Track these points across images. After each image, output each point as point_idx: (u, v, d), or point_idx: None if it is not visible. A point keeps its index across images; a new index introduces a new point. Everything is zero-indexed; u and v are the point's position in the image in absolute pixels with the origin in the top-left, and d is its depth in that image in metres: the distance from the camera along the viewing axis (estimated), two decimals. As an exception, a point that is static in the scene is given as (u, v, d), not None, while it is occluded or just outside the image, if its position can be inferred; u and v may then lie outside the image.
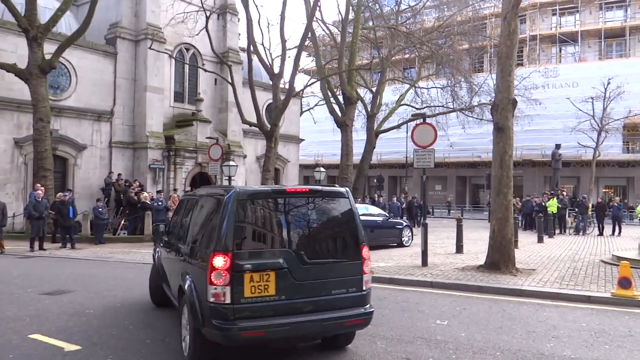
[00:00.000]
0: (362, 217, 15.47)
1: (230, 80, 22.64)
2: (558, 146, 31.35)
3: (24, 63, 18.04)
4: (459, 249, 14.60)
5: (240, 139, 27.07)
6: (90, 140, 21.96)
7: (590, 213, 25.00)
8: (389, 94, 33.92)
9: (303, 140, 33.85)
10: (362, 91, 31.36)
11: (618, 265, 9.54)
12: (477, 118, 28.99)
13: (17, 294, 8.66)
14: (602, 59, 42.04)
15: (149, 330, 6.39)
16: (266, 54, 23.90)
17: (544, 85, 36.82)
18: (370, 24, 30.03)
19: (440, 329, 6.59)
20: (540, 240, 18.46)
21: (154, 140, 22.69)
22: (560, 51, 44.91)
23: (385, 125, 30.93)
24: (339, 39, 27.43)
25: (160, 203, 18.25)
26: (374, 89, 30.20)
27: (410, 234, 17.15)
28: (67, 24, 22.24)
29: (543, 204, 23.41)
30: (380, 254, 13.95)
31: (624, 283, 8.38)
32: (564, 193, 26.60)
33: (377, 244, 15.88)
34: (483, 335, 6.29)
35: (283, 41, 22.53)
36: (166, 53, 23.12)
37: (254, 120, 22.38)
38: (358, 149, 29.81)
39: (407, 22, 30.23)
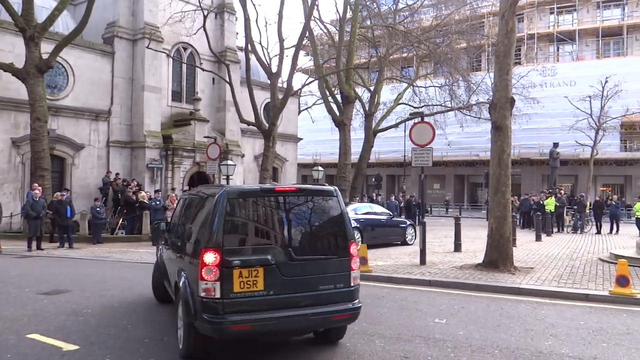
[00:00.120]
0: (367, 216, 16.05)
1: (228, 79, 22.58)
2: (556, 145, 31.39)
3: (21, 62, 17.98)
4: (457, 247, 14.63)
5: (238, 138, 27.02)
6: (88, 139, 21.90)
7: (588, 211, 25.03)
8: (387, 93, 33.91)
9: (301, 139, 33.81)
10: (360, 90, 31.34)
11: (616, 263, 9.57)
12: (475, 117, 29.00)
13: (15, 294, 8.65)
14: (600, 57, 42.09)
15: (148, 330, 6.38)
16: (264, 53, 23.87)
17: (542, 84, 36.84)
18: (368, 22, 30.00)
19: (439, 327, 6.59)
20: (538, 238, 18.50)
21: (152, 139, 22.64)
22: (557, 50, 44.96)
23: (383, 124, 30.87)
24: (336, 38, 27.35)
25: (158, 202, 18.18)
26: (372, 88, 30.16)
27: (413, 232, 17.19)
28: (65, 24, 22.21)
29: (541, 202, 23.42)
30: (378, 253, 13.94)
31: (622, 281, 8.40)
32: (562, 191, 26.63)
33: (381, 242, 16.08)
34: (481, 334, 6.29)
35: (281, 40, 22.47)
36: (164, 52, 23.08)
37: (252, 119, 22.34)
38: (356, 148, 29.81)
39: (405, 21, 30.19)
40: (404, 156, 36.72)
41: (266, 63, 23.76)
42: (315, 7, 24.35)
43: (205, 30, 21.60)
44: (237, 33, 28.02)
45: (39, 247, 15.17)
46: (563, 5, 43.74)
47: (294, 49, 22.84)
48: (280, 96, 22.55)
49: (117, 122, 22.70)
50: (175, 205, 18.96)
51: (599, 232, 22.52)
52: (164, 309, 7.45)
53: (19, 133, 19.71)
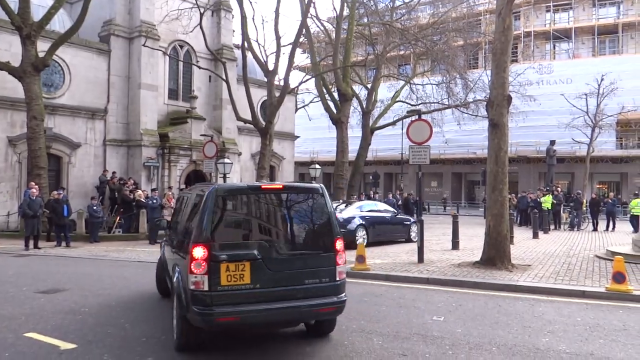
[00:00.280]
0: (372, 214, 16.10)
1: (224, 77, 22.54)
2: (552, 142, 31.44)
3: (17, 61, 17.93)
4: (455, 245, 14.61)
5: (235, 136, 26.94)
6: (85, 138, 21.83)
7: (584, 209, 25.11)
8: (384, 91, 33.85)
9: (298, 137, 33.79)
10: (357, 88, 31.30)
11: (612, 260, 9.61)
12: (472, 114, 28.95)
13: (12, 293, 8.63)
14: (596, 55, 42.25)
15: (145, 328, 6.37)
16: (261, 50, 24.05)
17: (538, 81, 36.80)
18: (365, 20, 29.91)
19: (437, 325, 6.61)
20: (535, 236, 18.50)
21: (148, 138, 22.57)
22: (554, 48, 45.08)
23: (381, 122, 30.88)
24: (333, 35, 27.37)
25: (154, 201, 18.11)
26: (369, 86, 30.09)
27: (417, 229, 17.19)
28: (61, 22, 22.15)
29: (538, 200, 23.46)
30: (376, 251, 13.94)
31: (618, 278, 8.43)
32: (559, 189, 26.69)
33: (385, 240, 16.09)
34: (479, 331, 6.31)
35: (278, 38, 22.50)
36: (160, 50, 22.98)
37: (248, 117, 22.31)
38: (353, 146, 29.75)
39: (402, 18, 30.12)
40: (402, 154, 36.78)
41: (263, 61, 23.75)
42: (312, 4, 24.31)
43: (201, 27, 21.54)
44: (234, 30, 27.88)
45: (36, 246, 15.15)
46: (559, 3, 43.83)
47: (290, 46, 22.88)
48: (277, 94, 22.55)
49: (113, 120, 22.62)
50: (172, 203, 19.23)
51: (595, 229, 22.55)
52: (162, 308, 7.43)
53: (16, 132, 19.66)
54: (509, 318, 6.99)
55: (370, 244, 15.02)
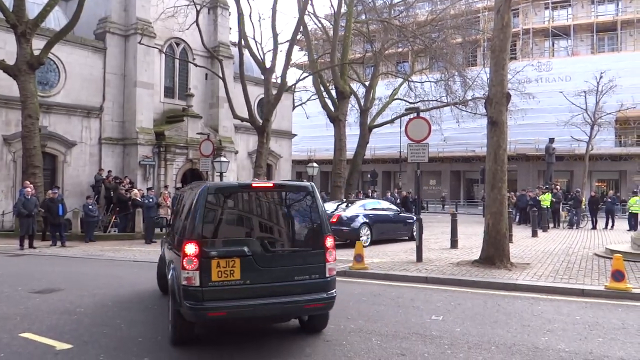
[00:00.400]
0: (375, 212, 16.12)
1: (221, 75, 22.45)
2: (552, 140, 31.38)
3: (12, 59, 17.85)
4: (454, 244, 14.57)
5: (231, 134, 26.86)
6: (80, 136, 21.76)
7: (583, 207, 25.06)
8: (382, 89, 33.72)
9: (295, 135, 33.69)
10: (355, 85, 31.15)
11: (611, 258, 9.59)
12: (471, 112, 28.89)
13: (7, 293, 8.59)
14: (595, 53, 42.20)
15: (141, 329, 6.35)
16: (258, 48, 23.85)
17: (537, 79, 36.71)
18: (363, 17, 29.78)
19: (436, 324, 6.58)
20: (534, 234, 18.47)
21: (144, 136, 22.50)
22: (553, 45, 45.03)
23: (379, 120, 30.71)
24: (331, 32, 27.20)
25: (150, 200, 18.03)
26: (367, 83, 29.99)
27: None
28: (56, 19, 22.06)
29: (537, 198, 23.40)
30: (375, 250, 13.91)
31: (617, 276, 8.42)
32: (558, 187, 26.62)
33: (388, 238, 16.12)
34: (478, 330, 6.28)
35: (275, 35, 22.40)
36: (156, 48, 22.95)
37: (245, 115, 22.26)
38: (351, 144, 29.62)
39: (400, 15, 29.94)
40: (400, 152, 36.64)
41: (260, 58, 23.72)
42: (310, 1, 24.20)
43: (198, 25, 21.45)
44: (231, 28, 27.88)
45: (31, 246, 15.06)
46: (558, 1, 43.76)
47: (288, 44, 22.84)
48: (274, 92, 22.51)
49: (109, 118, 22.56)
50: (168, 202, 19.18)
51: (594, 228, 22.55)
52: (158, 307, 7.39)
53: (10, 130, 19.57)
54: (508, 317, 6.97)
55: (373, 242, 15.20)
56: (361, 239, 14.40)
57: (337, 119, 26.41)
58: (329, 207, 17.04)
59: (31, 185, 16.03)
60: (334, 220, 14.86)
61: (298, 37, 24.27)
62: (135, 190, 19.39)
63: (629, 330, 6.35)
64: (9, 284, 9.38)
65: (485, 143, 11.92)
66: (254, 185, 5.85)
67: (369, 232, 15.29)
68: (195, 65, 24.45)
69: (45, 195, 16.82)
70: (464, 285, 9.23)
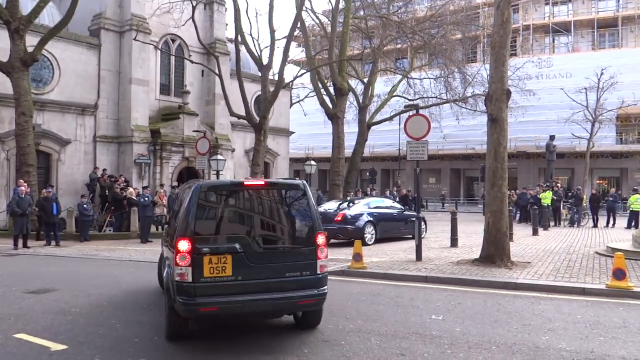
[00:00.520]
0: (379, 210, 16.10)
1: (217, 71, 22.27)
2: (552, 137, 31.24)
3: (5, 56, 17.68)
4: (454, 242, 14.54)
5: (228, 132, 26.66)
6: (74, 134, 21.55)
7: (584, 205, 24.95)
8: (381, 85, 33.59)
9: (293, 133, 33.46)
10: (353, 82, 30.99)
11: (612, 256, 9.59)
12: (470, 109, 28.78)
13: (1, 293, 8.58)
14: (595, 49, 42.07)
15: (137, 329, 6.34)
16: (254, 44, 23.65)
17: (538, 75, 36.61)
18: (362, 13, 29.72)
19: (435, 324, 6.57)
20: (535, 232, 18.44)
21: (140, 134, 22.30)
22: (553, 41, 44.90)
23: (378, 117, 30.62)
24: (329, 28, 27.03)
25: (146, 199, 17.88)
26: (365, 80, 29.88)
27: (424, 226, 17.30)
28: (50, 16, 21.87)
29: (538, 196, 23.29)
30: (374, 249, 13.86)
31: (619, 274, 8.41)
32: (559, 185, 26.49)
33: (393, 236, 16.14)
34: (478, 330, 6.27)
35: (272, 31, 22.22)
36: (151, 44, 22.69)
37: (242, 112, 22.08)
38: (350, 142, 29.49)
39: (399, 11, 29.87)
40: (399, 150, 36.57)
41: (257, 55, 23.58)
42: (307, -3, 23.96)
43: (194, 21, 21.24)
44: (227, 24, 27.69)
45: (25, 245, 14.97)
46: (558, -4, 43.59)
47: (285, 40, 22.76)
48: (272, 88, 22.34)
49: (103, 116, 22.35)
50: (163, 201, 19.04)
51: (595, 226, 22.51)
52: (154, 308, 7.38)
53: (4, 128, 19.40)
54: (508, 316, 6.96)
55: (377, 240, 15.30)
56: (365, 237, 14.59)
57: (335, 116, 26.20)
58: (330, 205, 17.15)
59: (25, 184, 15.91)
60: (339, 218, 15.07)
61: (295, 33, 24.09)
62: (131, 189, 19.25)
63: (631, 329, 6.33)
64: (3, 284, 9.34)
65: (485, 140, 11.98)
66: (245, 183, 5.96)
67: (373, 230, 15.35)
68: (191, 61, 24.24)
69: (41, 194, 16.69)
70: (464, 284, 9.20)
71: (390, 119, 30.19)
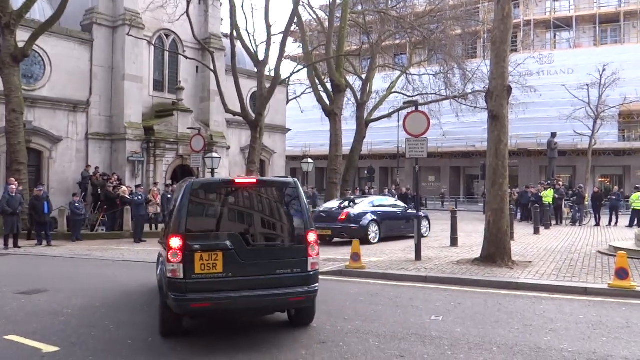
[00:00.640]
0: (383, 209, 15.94)
1: (212, 67, 21.99)
2: (554, 135, 30.87)
3: (-5, 52, 17.53)
4: (454, 241, 14.51)
5: (223, 129, 26.46)
6: (66, 132, 21.39)
7: (586, 203, 24.71)
8: (380, 82, 33.32)
9: (290, 130, 33.28)
10: (351, 79, 30.72)
11: (615, 255, 9.55)
12: (471, 106, 28.53)
13: None
14: (597, 45, 41.98)
15: (131, 330, 6.33)
16: (250, 40, 23.51)
17: (539, 71, 36.37)
18: (360, 8, 29.46)
19: (435, 324, 6.56)
20: (536, 231, 18.36)
21: (133, 131, 22.11)
22: (554, 37, 44.73)
23: (376, 114, 30.35)
24: (326, 24, 26.80)
25: (139, 197, 17.67)
26: (363, 76, 29.58)
27: (428, 224, 17.39)
28: (41, 10, 21.73)
29: (539, 194, 23.10)
30: (373, 249, 13.76)
31: (621, 274, 8.38)
32: (560, 183, 26.24)
33: (396, 235, 16.13)
34: (479, 330, 6.26)
35: (268, 26, 21.97)
36: (145, 40, 22.57)
37: (237, 109, 21.84)
38: (348, 139, 29.20)
39: (398, 6, 29.57)
40: (398, 147, 36.31)
41: (253, 50, 23.45)
42: (304, -9, 23.63)
43: (188, 16, 20.94)
44: (222, 19, 27.55)
45: (15, 245, 14.87)
46: (559, -9, 43.33)
47: (281, 35, 22.37)
48: (268, 85, 22.11)
49: (96, 113, 22.17)
50: (157, 199, 18.78)
51: (597, 224, 22.35)
52: (148, 310, 7.30)
53: (-6, 125, 19.13)
54: (509, 317, 6.95)
55: (386, 239, 15.36)
56: (369, 236, 14.80)
57: (332, 113, 25.89)
58: (331, 204, 17.23)
59: (16, 183, 15.79)
60: (343, 217, 15.20)
61: (292, 28, 23.90)
62: (124, 188, 19.02)
63: (633, 329, 6.31)
64: (-7, 284, 9.30)
65: (485, 138, 11.84)
66: (237, 181, 6.06)
67: (377, 229, 15.36)
68: (186, 57, 24.02)
69: (31, 192, 16.58)
70: (465, 284, 9.17)
71: (389, 115, 29.96)
